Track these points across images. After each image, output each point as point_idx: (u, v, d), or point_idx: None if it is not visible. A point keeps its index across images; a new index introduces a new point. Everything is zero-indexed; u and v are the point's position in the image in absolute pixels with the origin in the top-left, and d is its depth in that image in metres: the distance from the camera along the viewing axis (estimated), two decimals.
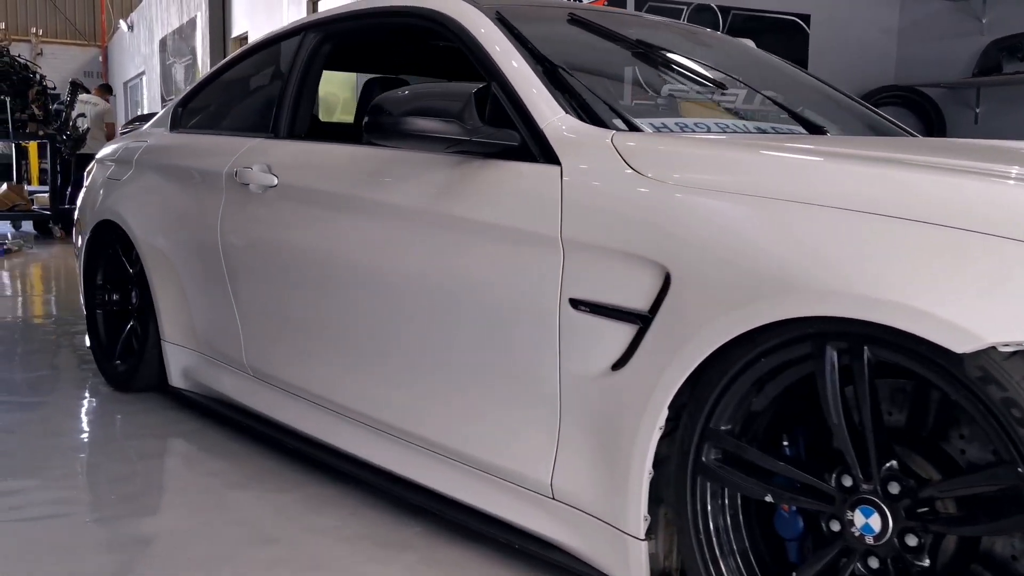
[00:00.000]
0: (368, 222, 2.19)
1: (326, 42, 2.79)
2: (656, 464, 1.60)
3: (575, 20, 2.41)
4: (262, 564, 1.98)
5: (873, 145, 1.95)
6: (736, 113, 2.24)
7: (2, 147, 14.83)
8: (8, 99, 9.78)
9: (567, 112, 1.92)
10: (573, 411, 1.75)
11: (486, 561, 2.01)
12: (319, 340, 2.38)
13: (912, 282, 1.25)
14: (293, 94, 2.77)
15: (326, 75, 2.96)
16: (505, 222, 1.86)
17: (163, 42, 13.51)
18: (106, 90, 12.07)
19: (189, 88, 3.48)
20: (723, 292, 1.46)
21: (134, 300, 3.37)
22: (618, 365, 1.64)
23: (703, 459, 1.54)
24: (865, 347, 1.33)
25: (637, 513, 1.62)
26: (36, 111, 10.06)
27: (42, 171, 16.10)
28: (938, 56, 7.32)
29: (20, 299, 6.07)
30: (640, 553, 1.63)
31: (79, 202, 3.86)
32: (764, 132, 2.17)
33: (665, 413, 1.56)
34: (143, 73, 15.85)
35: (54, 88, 10.56)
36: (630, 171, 1.71)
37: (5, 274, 7.20)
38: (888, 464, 1.36)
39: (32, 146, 13.55)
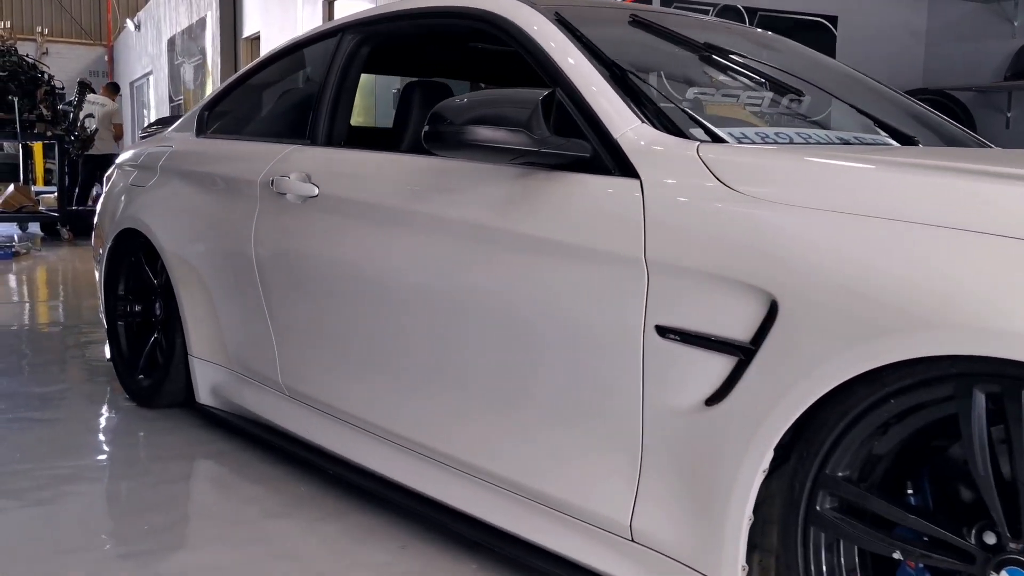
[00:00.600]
0: (423, 238, 2.05)
1: (365, 43, 2.65)
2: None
3: (637, 22, 2.27)
4: None
5: (988, 159, 1.80)
6: (814, 122, 2.10)
7: (8, 147, 14.72)
8: (16, 99, 9.64)
9: (642, 121, 1.78)
10: (657, 447, 1.61)
11: None
12: (367, 362, 2.24)
13: None
14: (331, 99, 2.63)
15: None
16: (579, 241, 1.71)
17: (171, 41, 13.37)
18: (113, 89, 11.94)
19: (215, 91, 3.34)
20: (843, 324, 1.32)
21: (158, 312, 3.22)
22: (713, 400, 1.50)
23: (817, 508, 1.39)
24: None
25: (734, 561, 1.48)
26: (44, 111, 9.92)
27: (47, 171, 15.99)
28: (967, 59, 7.17)
29: (31, 305, 5.92)
30: None
31: (98, 207, 3.72)
32: (848, 143, 2.02)
33: (770, 455, 1.42)
34: (150, 73, 15.72)
35: (62, 88, 10.42)
36: (721, 186, 1.57)
37: (15, 278, 7.05)
38: None
39: (37, 146, 13.41)
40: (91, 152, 10.59)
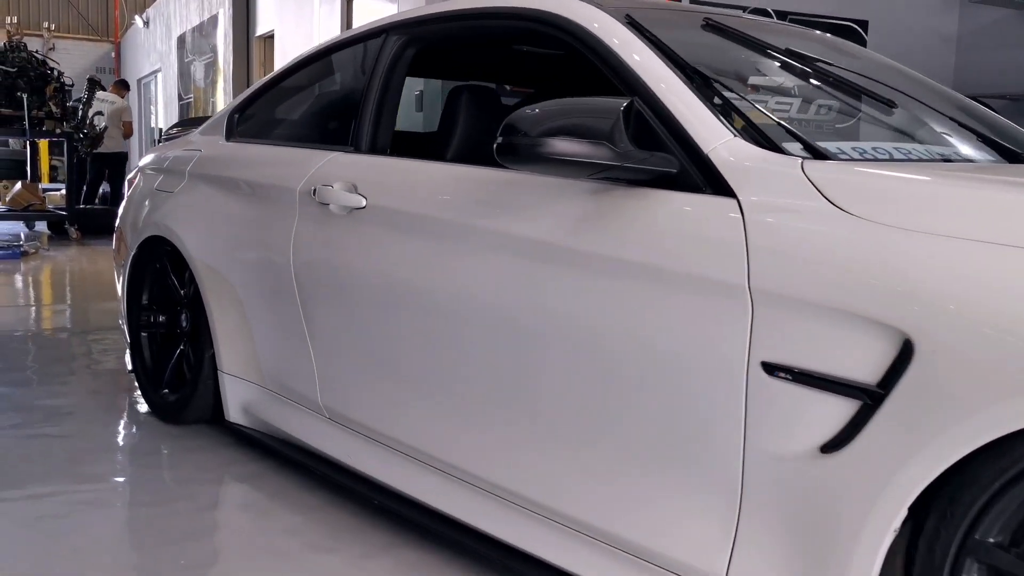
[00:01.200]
0: (485, 255, 1.90)
1: (411, 45, 2.51)
2: None
3: (711, 26, 2.13)
4: None
5: None
6: (906, 135, 1.96)
7: (14, 144, 14.57)
8: (25, 96, 9.49)
9: (734, 135, 1.64)
10: (760, 496, 1.46)
11: None
12: (420, 386, 2.09)
13: None
14: (375, 103, 2.48)
15: None
16: (670, 265, 1.57)
17: (181, 39, 13.22)
18: (123, 87, 11.78)
19: (246, 93, 3.19)
20: (997, 370, 1.17)
21: (184, 324, 3.08)
22: (831, 447, 1.36)
23: None
24: None
25: None
26: (54, 108, 9.77)
27: (52, 168, 15.83)
28: (999, 66, 7.02)
29: (44, 308, 5.77)
30: None
31: (120, 211, 3.57)
32: (949, 159, 1.88)
33: (904, 513, 1.27)
34: (158, 70, 15.57)
35: (72, 85, 10.26)
36: (834, 209, 1.42)
37: (27, 279, 6.90)
38: None
39: (43, 143, 13.25)
40: (100, 150, 10.45)
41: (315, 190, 2.41)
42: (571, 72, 3.11)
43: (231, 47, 10.50)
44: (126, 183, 3.68)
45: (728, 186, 1.57)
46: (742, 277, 1.46)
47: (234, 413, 2.82)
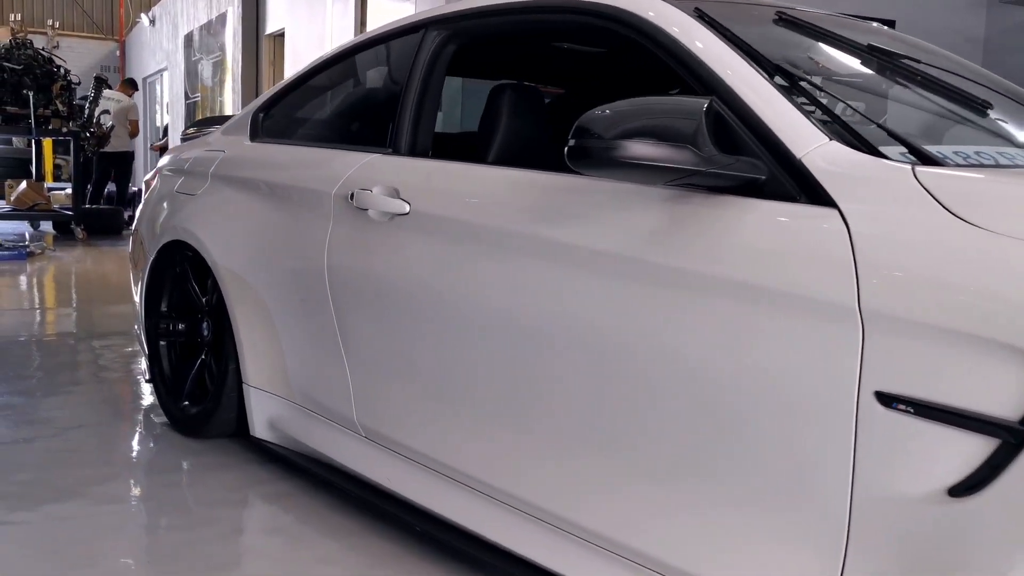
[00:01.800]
0: (546, 266, 1.75)
1: (452, 41, 2.36)
2: None
3: (784, 20, 1.98)
4: None
5: None
6: (1008, 139, 1.81)
7: (18, 142, 14.42)
8: (31, 93, 9.34)
9: (829, 138, 1.49)
10: (869, 540, 1.31)
11: None
12: (469, 406, 1.94)
13: None
14: (414, 103, 2.33)
15: None
16: (764, 282, 1.42)
17: (188, 37, 13.07)
18: (131, 85, 11.64)
19: (271, 92, 3.04)
20: None
21: (206, 332, 2.93)
22: (960, 490, 1.21)
23: None
24: None
25: None
26: (60, 107, 9.62)
27: (55, 167, 15.68)
28: None
29: (54, 312, 5.62)
30: None
31: (137, 214, 3.43)
32: None
33: None
34: (164, 69, 15.41)
35: (78, 83, 10.12)
36: (956, 220, 1.28)
37: (32, 281, 6.75)
38: None
39: (47, 142, 13.09)
40: (106, 149, 10.30)
41: (352, 194, 2.26)
42: (605, 71, 2.97)
43: (240, 46, 10.35)
44: (143, 185, 3.54)
45: (827, 195, 1.42)
46: (851, 297, 1.32)
47: (260, 428, 2.67)
